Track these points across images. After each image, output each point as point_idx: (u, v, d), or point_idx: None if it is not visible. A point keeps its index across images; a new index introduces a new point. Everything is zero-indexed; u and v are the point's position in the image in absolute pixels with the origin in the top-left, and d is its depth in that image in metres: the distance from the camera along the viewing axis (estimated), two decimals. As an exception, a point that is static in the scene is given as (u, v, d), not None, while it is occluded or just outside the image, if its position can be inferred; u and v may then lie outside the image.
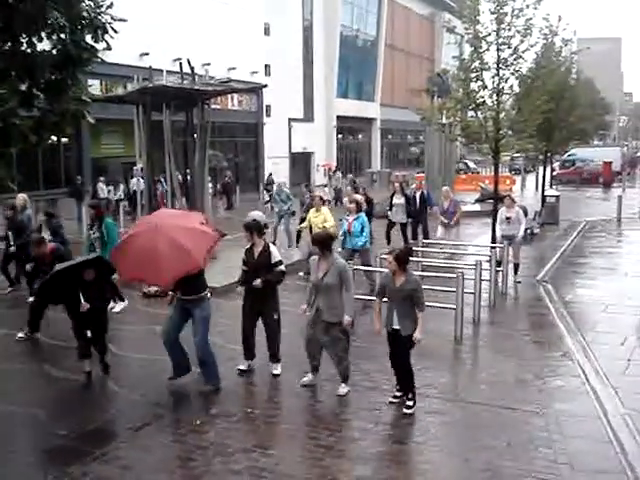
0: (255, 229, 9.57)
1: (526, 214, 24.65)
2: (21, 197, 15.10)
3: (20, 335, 11.71)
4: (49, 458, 7.41)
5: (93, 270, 9.43)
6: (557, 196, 27.76)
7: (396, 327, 8.39)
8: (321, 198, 16.24)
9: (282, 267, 9.54)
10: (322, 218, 15.54)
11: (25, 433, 7.99)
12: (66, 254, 11.71)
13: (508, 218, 15.61)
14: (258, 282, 9.24)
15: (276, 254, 9.50)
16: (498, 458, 7.18)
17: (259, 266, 9.33)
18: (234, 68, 35.26)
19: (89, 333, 9.37)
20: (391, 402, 8.66)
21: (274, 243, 19.65)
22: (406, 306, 8.32)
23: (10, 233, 14.19)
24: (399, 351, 8.47)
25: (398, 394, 8.70)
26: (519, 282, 15.50)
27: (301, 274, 15.78)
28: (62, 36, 8.36)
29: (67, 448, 7.57)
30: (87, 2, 8.57)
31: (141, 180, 19.69)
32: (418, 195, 20.25)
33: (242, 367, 9.77)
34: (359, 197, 17.31)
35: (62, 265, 9.68)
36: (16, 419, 8.34)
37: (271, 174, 39.57)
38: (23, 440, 7.81)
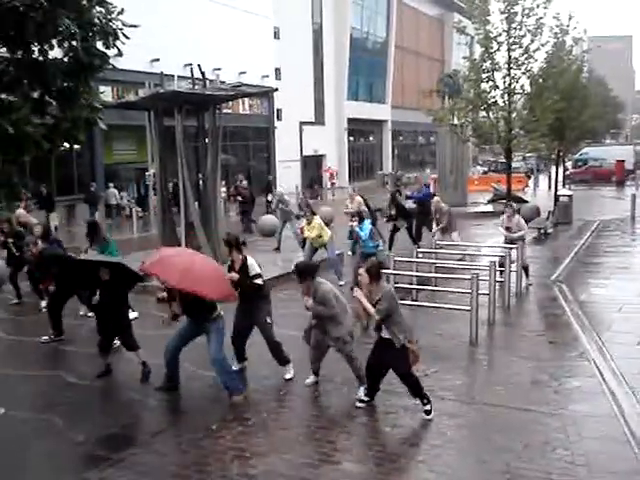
0: (234, 244, 9.63)
1: (539, 214, 24.66)
2: (20, 213, 15.24)
3: (44, 338, 11.80)
4: (66, 464, 7.41)
5: (108, 272, 9.65)
6: (570, 195, 27.66)
7: (386, 336, 8.28)
8: (312, 212, 16.20)
9: (259, 281, 9.53)
10: (316, 232, 15.58)
11: (41, 439, 8.01)
12: (56, 255, 11.89)
13: (508, 228, 15.47)
14: (234, 275, 9.30)
15: (253, 268, 9.51)
16: (515, 460, 7.13)
17: (239, 281, 9.38)
18: (244, 72, 35.39)
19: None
20: (357, 407, 8.59)
21: (278, 249, 19.73)
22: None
23: (9, 240, 14.30)
24: (395, 362, 8.30)
25: (365, 398, 8.64)
26: (530, 284, 15.40)
27: None
28: (73, 43, 8.40)
29: (84, 454, 7.60)
30: (98, 9, 8.60)
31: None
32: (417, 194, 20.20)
33: (234, 367, 9.80)
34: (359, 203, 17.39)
35: (85, 257, 10.50)
36: (32, 425, 8.35)
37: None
38: (40, 446, 7.82)
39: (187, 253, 9.87)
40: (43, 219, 23.80)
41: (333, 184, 47.64)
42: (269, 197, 21.61)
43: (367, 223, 14.82)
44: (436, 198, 19.68)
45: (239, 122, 38.77)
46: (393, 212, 18.93)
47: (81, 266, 10.09)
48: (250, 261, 9.54)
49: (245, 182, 28.33)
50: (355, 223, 14.83)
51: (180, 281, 8.48)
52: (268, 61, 41.73)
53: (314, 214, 16.06)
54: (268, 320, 9.68)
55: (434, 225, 18.47)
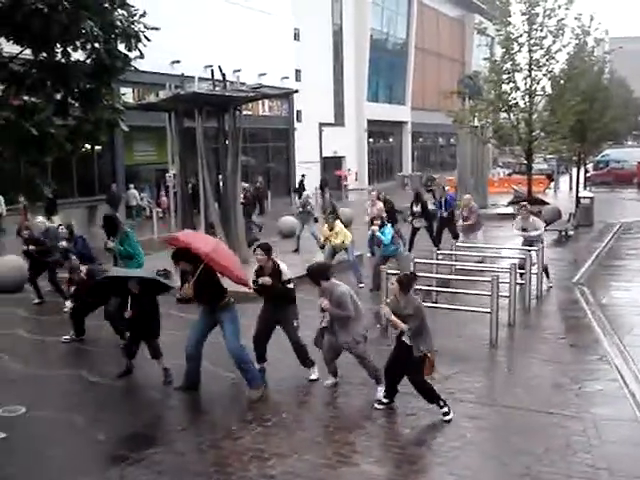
0: (270, 251, 9.62)
1: (560, 216, 24.51)
2: (39, 221, 15.42)
3: (65, 337, 11.90)
4: (86, 463, 7.47)
5: (137, 285, 9.72)
6: (591, 197, 27.48)
7: (409, 343, 8.27)
8: (334, 217, 16.11)
9: (290, 285, 9.62)
10: (341, 238, 15.50)
11: (63, 438, 8.07)
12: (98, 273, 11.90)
13: (524, 229, 15.38)
14: (267, 279, 9.31)
15: (286, 273, 9.57)
16: (536, 463, 7.10)
17: (272, 285, 9.40)
18: (265, 74, 35.42)
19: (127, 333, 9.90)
20: (376, 408, 8.62)
21: (297, 251, 19.70)
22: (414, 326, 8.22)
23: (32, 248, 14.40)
24: (411, 369, 8.31)
25: (384, 400, 8.65)
26: (551, 287, 15.33)
27: None
28: (96, 45, 8.43)
29: (104, 453, 7.67)
30: (120, 11, 8.64)
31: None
32: (444, 200, 20.17)
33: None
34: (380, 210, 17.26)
35: (115, 273, 10.65)
36: (54, 424, 8.43)
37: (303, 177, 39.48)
38: (61, 445, 7.88)
39: (213, 238, 10.46)
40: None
41: (345, 186, 47.57)
42: (302, 197, 21.58)
43: (389, 228, 14.79)
44: (467, 196, 19.67)
45: (259, 123, 38.83)
46: (418, 209, 18.89)
47: (113, 282, 10.16)
48: (282, 266, 9.59)
49: (246, 184, 28.29)
50: (376, 227, 14.76)
51: (211, 253, 8.68)
52: (288, 62, 41.76)
53: (337, 218, 16.00)
54: (295, 323, 9.70)
55: (460, 222, 18.38)
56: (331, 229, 15.57)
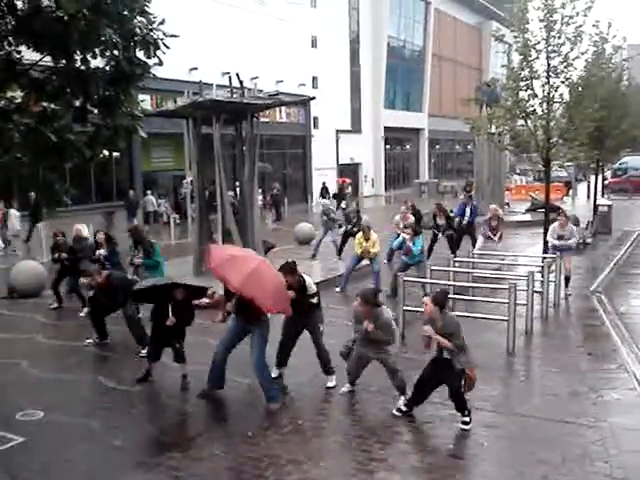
0: (289, 271, 9.56)
1: (578, 224, 24.37)
2: (78, 227, 15.50)
3: (88, 341, 12.01)
4: (103, 468, 7.49)
5: (183, 291, 9.70)
6: (609, 205, 27.32)
7: (446, 356, 8.26)
8: (369, 227, 16.11)
9: (315, 300, 9.70)
10: (378, 248, 15.67)
11: (80, 443, 8.10)
12: (121, 279, 11.83)
13: (560, 237, 15.32)
14: (291, 293, 9.30)
15: (311, 287, 9.67)
16: (553, 472, 7.06)
17: (298, 299, 9.43)
18: (282, 81, 35.53)
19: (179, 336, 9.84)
20: (394, 415, 8.63)
21: (314, 256, 19.71)
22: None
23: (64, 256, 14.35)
24: (450, 380, 8.32)
25: (404, 409, 8.65)
26: (569, 294, 15.25)
27: (337, 289, 15.70)
28: (115, 53, 8.49)
29: (121, 458, 7.68)
30: (139, 19, 8.69)
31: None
32: (468, 208, 20.21)
33: (273, 375, 9.80)
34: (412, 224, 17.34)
35: (160, 281, 10.56)
36: (71, 429, 8.46)
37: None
38: (77, 450, 7.91)
39: (253, 256, 9.79)
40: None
41: (346, 194, 47.54)
42: (322, 204, 21.65)
43: (421, 238, 14.80)
44: (493, 206, 19.80)
45: (276, 130, 38.95)
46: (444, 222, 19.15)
47: (154, 290, 10.06)
48: (308, 281, 9.68)
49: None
50: (408, 236, 14.71)
51: (243, 286, 8.54)
52: (305, 70, 41.87)
53: (369, 228, 15.99)
54: (320, 328, 9.77)
55: (489, 233, 18.42)
56: (367, 239, 15.60)
